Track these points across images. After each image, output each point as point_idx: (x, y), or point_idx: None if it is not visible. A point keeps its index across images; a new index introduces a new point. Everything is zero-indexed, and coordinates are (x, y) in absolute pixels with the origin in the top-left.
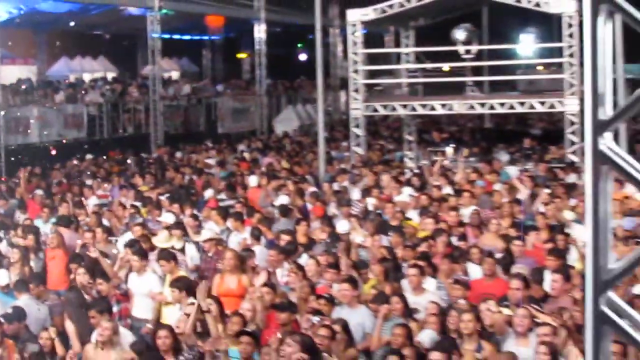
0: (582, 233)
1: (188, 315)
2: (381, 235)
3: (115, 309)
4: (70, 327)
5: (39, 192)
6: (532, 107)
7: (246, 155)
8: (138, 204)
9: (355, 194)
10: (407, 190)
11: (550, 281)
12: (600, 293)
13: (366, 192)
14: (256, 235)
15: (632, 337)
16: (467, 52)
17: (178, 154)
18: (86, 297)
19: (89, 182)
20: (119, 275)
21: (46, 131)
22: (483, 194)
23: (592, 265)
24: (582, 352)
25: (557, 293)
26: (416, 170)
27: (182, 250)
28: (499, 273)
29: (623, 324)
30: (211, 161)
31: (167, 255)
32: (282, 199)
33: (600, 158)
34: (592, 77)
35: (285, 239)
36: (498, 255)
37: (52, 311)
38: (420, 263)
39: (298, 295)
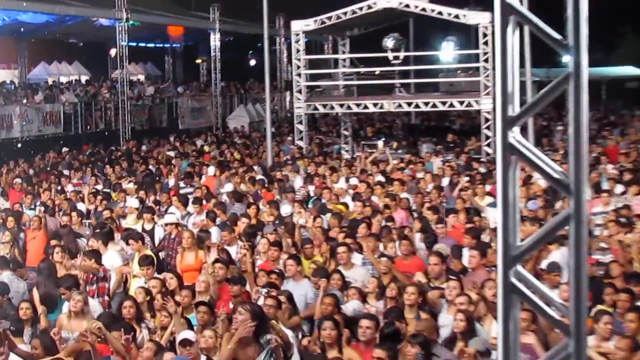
0: (494, 215)
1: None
2: (322, 217)
3: (94, 287)
4: (36, 294)
5: (18, 180)
6: (452, 105)
7: (206, 148)
8: (108, 190)
9: (298, 182)
10: (342, 179)
11: (468, 257)
12: (509, 267)
13: (308, 180)
14: (212, 218)
15: (537, 305)
16: (396, 58)
17: (143, 147)
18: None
19: (65, 172)
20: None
21: (27, 127)
22: (410, 181)
23: (502, 242)
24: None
25: (474, 267)
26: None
27: (152, 231)
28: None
29: (530, 293)
30: (172, 153)
31: (135, 236)
32: (229, 187)
33: (509, 149)
34: (502, 79)
35: (244, 221)
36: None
37: (31, 286)
38: (348, 241)
39: (248, 269)
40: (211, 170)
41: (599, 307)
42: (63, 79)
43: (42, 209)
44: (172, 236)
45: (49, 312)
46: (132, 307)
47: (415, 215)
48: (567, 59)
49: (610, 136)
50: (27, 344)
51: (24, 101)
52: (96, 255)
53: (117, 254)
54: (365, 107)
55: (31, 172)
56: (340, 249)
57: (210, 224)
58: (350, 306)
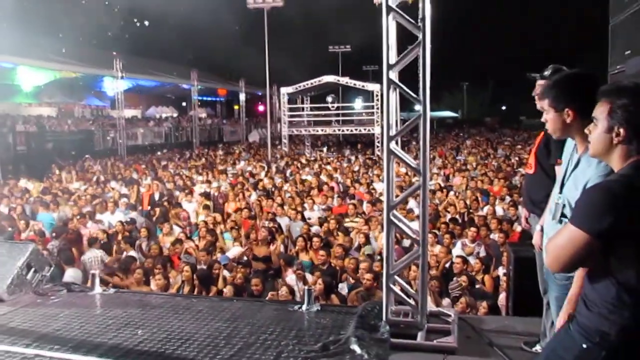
0: (381, 186)
1: None
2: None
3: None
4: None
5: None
6: (360, 131)
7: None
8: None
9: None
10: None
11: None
12: (390, 210)
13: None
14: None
15: (403, 230)
16: (333, 106)
17: (205, 150)
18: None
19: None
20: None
21: (144, 139)
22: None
23: (386, 200)
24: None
25: (369, 211)
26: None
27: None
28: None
29: (399, 224)
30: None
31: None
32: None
33: (390, 153)
34: (386, 117)
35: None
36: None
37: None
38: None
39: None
40: (242, 163)
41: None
42: (164, 115)
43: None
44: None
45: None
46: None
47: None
48: (418, 107)
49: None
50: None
51: (144, 126)
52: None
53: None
54: (317, 131)
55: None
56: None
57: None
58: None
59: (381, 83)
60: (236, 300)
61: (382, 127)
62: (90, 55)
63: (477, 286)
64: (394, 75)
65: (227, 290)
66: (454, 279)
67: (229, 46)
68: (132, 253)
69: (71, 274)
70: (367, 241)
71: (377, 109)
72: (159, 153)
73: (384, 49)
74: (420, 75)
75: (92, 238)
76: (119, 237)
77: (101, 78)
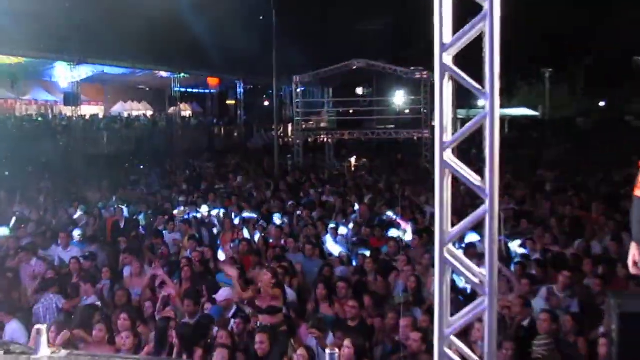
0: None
1: None
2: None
3: None
4: None
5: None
6: (402, 135)
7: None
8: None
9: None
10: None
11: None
12: (444, 245)
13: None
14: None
15: (462, 271)
16: (365, 101)
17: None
18: None
19: None
20: None
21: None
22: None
23: (438, 230)
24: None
25: (415, 246)
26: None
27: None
28: None
29: (457, 264)
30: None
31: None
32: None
33: (444, 165)
34: (440, 117)
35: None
36: None
37: None
38: None
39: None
40: (239, 178)
41: None
42: (134, 113)
43: None
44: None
45: None
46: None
47: None
48: (483, 102)
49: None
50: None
51: (108, 128)
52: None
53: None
54: (342, 135)
55: None
56: None
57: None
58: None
59: (429, 69)
60: None
61: (431, 130)
62: (37, 33)
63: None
64: (449, 60)
65: (219, 355)
66: (537, 341)
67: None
68: (92, 299)
69: (14, 328)
70: (419, 287)
71: (426, 104)
72: (127, 165)
73: (436, 24)
74: (487, 59)
75: (48, 279)
76: (74, 278)
77: (51, 64)
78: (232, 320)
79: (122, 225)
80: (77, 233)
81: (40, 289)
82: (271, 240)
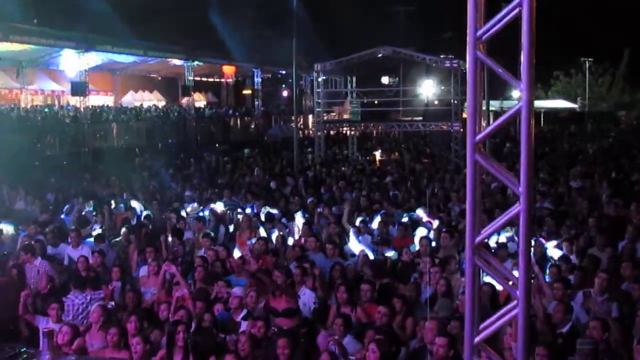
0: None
1: None
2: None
3: None
4: None
5: None
6: (430, 127)
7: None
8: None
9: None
10: None
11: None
12: (475, 247)
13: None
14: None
15: (492, 275)
16: (390, 91)
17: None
18: None
19: None
20: None
21: (120, 138)
22: None
23: (469, 231)
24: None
25: (446, 246)
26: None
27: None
28: None
29: (488, 266)
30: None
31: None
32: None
33: (475, 162)
34: (473, 109)
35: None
36: None
37: None
38: None
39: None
40: (256, 171)
41: None
42: (145, 104)
43: None
44: None
45: None
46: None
47: None
48: (517, 93)
49: None
50: None
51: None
52: None
53: None
54: (367, 127)
55: None
56: None
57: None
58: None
59: (460, 58)
60: None
61: (462, 123)
62: (42, 19)
63: None
64: (482, 48)
65: None
66: (580, 345)
67: (238, 4)
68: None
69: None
70: (449, 291)
71: (456, 95)
72: (137, 159)
73: (469, 8)
74: (523, 45)
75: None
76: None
77: (58, 52)
78: (242, 323)
79: (133, 222)
80: (87, 231)
81: (75, 285)
82: (291, 239)
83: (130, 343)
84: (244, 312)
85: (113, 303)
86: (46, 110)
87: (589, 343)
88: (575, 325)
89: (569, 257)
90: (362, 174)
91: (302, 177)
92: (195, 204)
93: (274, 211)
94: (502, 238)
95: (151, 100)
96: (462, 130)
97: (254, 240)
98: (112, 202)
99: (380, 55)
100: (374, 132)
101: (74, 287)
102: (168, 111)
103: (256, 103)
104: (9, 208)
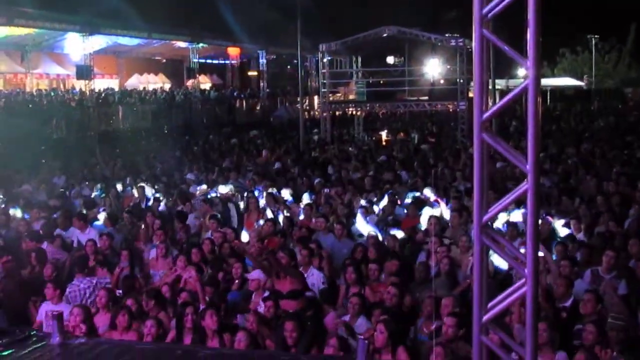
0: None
1: None
2: None
3: None
4: None
5: None
6: (436, 106)
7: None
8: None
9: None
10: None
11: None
12: (482, 225)
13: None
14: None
15: (500, 253)
16: (395, 71)
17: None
18: None
19: None
20: None
21: (126, 121)
22: None
23: (476, 209)
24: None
25: (455, 225)
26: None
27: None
28: None
29: (496, 244)
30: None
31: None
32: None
33: (482, 141)
34: (479, 88)
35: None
36: None
37: None
38: None
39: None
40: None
41: None
42: (150, 87)
43: None
44: None
45: None
46: None
47: None
48: (524, 72)
49: None
50: None
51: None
52: None
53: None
54: (372, 108)
55: None
56: None
57: None
58: None
59: (465, 36)
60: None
61: (470, 102)
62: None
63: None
64: (487, 26)
65: (240, 338)
66: (612, 319)
67: None
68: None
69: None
70: (452, 269)
71: (462, 74)
72: (143, 142)
73: None
74: (529, 23)
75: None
76: (91, 262)
77: (62, 35)
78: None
79: (143, 205)
80: (94, 213)
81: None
82: (297, 220)
83: (145, 325)
84: (266, 293)
85: (121, 291)
86: (52, 94)
87: (621, 319)
88: (578, 301)
89: (575, 236)
90: (368, 154)
91: (308, 157)
92: (204, 186)
93: (287, 193)
94: (518, 215)
95: (156, 82)
96: (468, 109)
97: (261, 222)
98: (119, 185)
99: (385, 34)
100: (380, 112)
101: (79, 271)
102: (173, 94)
103: (261, 84)
104: (15, 192)
